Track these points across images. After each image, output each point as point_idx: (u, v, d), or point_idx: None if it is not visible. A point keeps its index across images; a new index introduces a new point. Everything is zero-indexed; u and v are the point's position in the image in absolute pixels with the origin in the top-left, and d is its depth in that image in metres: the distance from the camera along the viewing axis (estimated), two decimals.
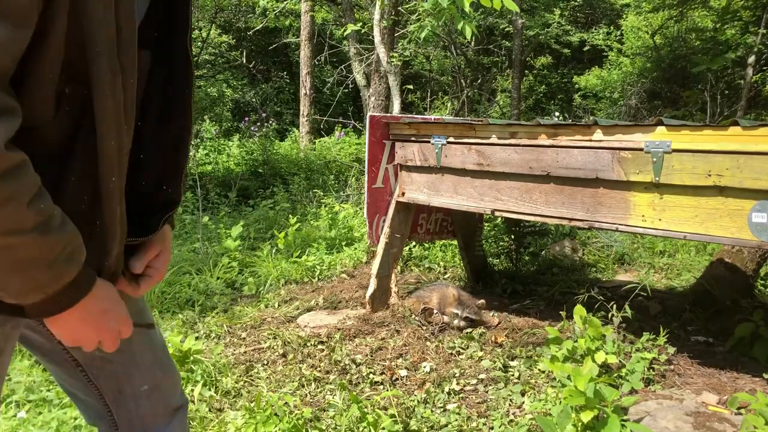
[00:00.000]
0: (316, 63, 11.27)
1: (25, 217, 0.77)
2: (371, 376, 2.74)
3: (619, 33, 12.78)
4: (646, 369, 2.59)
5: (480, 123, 3.06)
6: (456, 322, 3.23)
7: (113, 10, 0.86)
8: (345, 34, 7.56)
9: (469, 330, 3.18)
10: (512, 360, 2.85)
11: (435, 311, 3.36)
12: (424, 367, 2.79)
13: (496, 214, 3.02)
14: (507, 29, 11.87)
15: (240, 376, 2.77)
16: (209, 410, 2.45)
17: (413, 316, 3.32)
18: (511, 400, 2.51)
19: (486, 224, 4.46)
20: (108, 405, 1.22)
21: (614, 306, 2.90)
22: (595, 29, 13.52)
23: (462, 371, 2.76)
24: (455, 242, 4.31)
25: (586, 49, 13.19)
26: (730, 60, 8.64)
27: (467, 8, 4.06)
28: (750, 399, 2.12)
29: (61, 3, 0.79)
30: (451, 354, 2.95)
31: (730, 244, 2.35)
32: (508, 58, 12.73)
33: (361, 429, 2.23)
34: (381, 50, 6.70)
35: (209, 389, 2.60)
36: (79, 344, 0.98)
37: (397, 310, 3.42)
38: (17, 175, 0.76)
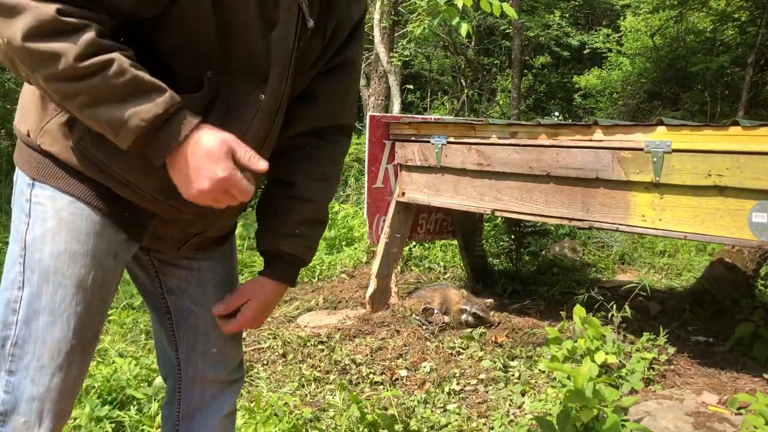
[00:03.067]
0: None
1: (73, 69, 0.87)
2: (371, 376, 2.74)
3: (618, 35, 12.77)
4: (646, 369, 2.59)
5: (480, 123, 3.06)
6: (464, 317, 3.22)
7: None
8: None
9: (469, 330, 3.18)
10: (512, 360, 2.85)
11: (435, 311, 3.35)
12: (424, 367, 2.79)
13: (496, 214, 3.01)
14: (507, 31, 11.86)
15: None
16: None
17: (413, 316, 3.32)
18: (511, 400, 2.51)
19: (486, 224, 4.46)
20: (179, 359, 1.30)
21: (614, 306, 2.90)
22: (595, 32, 13.51)
23: (462, 371, 2.76)
24: (455, 242, 4.31)
25: (585, 52, 13.20)
26: (728, 60, 8.64)
27: (461, 4, 4.06)
28: (750, 399, 2.12)
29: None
30: (451, 354, 2.95)
31: (731, 244, 2.35)
32: (508, 58, 12.72)
33: (361, 429, 2.22)
34: (381, 50, 6.70)
35: None
36: (194, 199, 0.98)
37: (397, 310, 3.42)
38: (65, 37, 0.87)
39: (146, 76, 0.92)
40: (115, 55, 0.90)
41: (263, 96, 1.07)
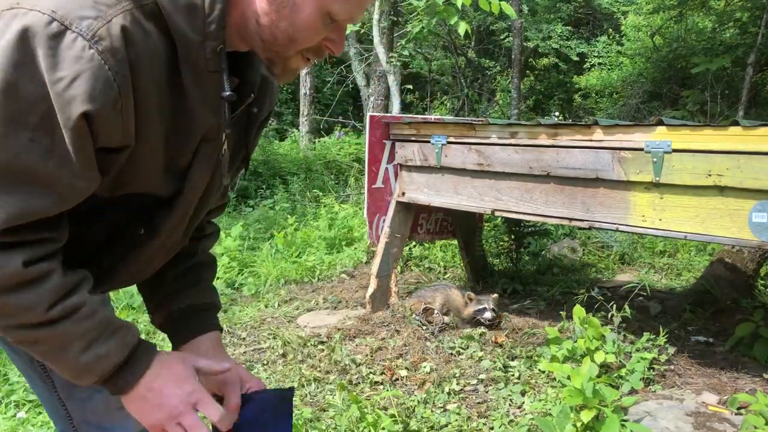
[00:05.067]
0: (316, 63, 11.24)
1: (43, 317, 0.83)
2: (371, 376, 2.74)
3: (619, 36, 12.78)
4: (646, 369, 2.59)
5: (480, 123, 3.06)
6: (486, 315, 3.16)
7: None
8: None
9: (468, 330, 3.17)
10: (512, 360, 2.85)
11: (435, 312, 3.35)
12: (424, 367, 2.79)
13: (497, 214, 3.01)
14: (507, 37, 11.85)
15: None
16: None
17: (413, 316, 3.32)
18: (511, 401, 2.51)
19: (486, 224, 4.46)
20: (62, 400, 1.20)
21: (614, 306, 2.90)
22: (595, 41, 13.50)
23: (462, 371, 2.76)
24: (455, 242, 4.31)
25: (585, 66, 13.23)
26: (729, 60, 8.63)
27: (459, 4, 4.07)
28: (750, 399, 2.12)
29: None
30: (451, 354, 2.95)
31: (731, 244, 2.35)
32: (508, 58, 12.71)
33: (361, 429, 2.22)
34: (380, 50, 6.70)
35: None
36: (152, 429, 0.96)
37: (397, 310, 3.42)
38: (33, 287, 0.83)
39: (113, 315, 0.92)
40: (83, 296, 0.87)
41: (143, 231, 1.02)
